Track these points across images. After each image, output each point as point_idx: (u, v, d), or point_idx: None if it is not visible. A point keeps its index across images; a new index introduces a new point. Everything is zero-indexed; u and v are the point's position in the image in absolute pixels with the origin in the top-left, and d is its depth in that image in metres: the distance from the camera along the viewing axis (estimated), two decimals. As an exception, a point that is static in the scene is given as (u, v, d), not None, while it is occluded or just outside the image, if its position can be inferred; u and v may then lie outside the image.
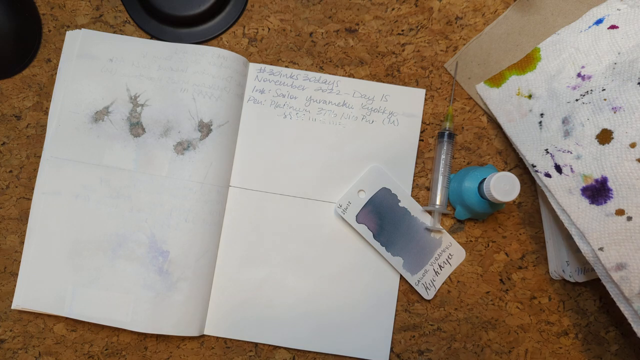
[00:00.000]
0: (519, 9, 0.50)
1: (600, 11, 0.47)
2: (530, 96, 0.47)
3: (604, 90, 0.42)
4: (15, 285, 0.49)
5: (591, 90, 0.43)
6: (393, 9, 0.52)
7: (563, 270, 0.48)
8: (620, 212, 0.40)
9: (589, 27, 0.46)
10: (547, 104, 0.46)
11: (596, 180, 0.41)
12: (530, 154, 0.45)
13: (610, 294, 0.41)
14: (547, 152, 0.44)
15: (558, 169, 0.43)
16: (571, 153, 0.42)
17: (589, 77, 0.44)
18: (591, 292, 0.50)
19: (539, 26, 0.50)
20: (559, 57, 0.47)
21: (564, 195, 0.43)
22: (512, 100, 0.48)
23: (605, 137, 0.41)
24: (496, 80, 0.50)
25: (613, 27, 0.45)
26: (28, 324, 0.49)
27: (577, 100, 0.44)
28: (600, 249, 0.40)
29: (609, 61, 0.44)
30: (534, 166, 0.44)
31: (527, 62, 0.49)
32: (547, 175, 0.43)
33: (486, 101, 0.50)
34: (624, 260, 0.40)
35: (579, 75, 0.45)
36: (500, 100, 0.49)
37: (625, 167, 0.40)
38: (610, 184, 0.40)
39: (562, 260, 0.48)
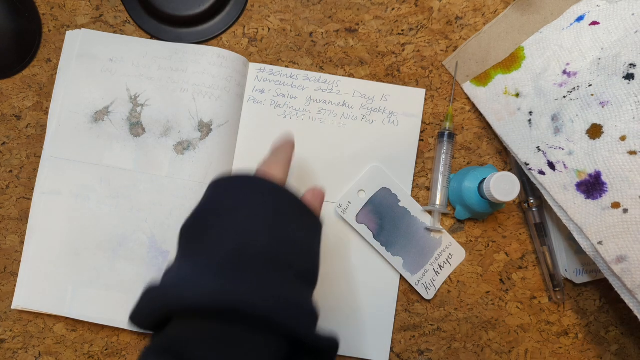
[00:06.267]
0: (519, 8, 0.50)
1: (580, 8, 0.47)
2: (517, 95, 0.47)
3: (590, 85, 0.43)
4: (15, 285, 0.49)
5: (578, 87, 0.44)
6: (393, 9, 0.52)
7: (566, 270, 0.48)
8: (616, 205, 0.40)
9: (571, 24, 0.47)
10: (535, 102, 0.46)
11: (590, 175, 0.41)
12: (523, 153, 0.45)
13: (614, 286, 0.41)
14: (539, 150, 0.44)
15: (551, 165, 0.43)
16: (563, 149, 0.43)
17: (575, 74, 0.45)
18: (591, 292, 0.50)
19: (539, 25, 0.50)
20: (543, 55, 0.47)
21: (559, 191, 0.43)
22: (499, 99, 0.48)
23: (595, 131, 0.41)
24: (482, 79, 0.50)
25: (594, 23, 0.45)
26: (28, 324, 0.49)
27: (564, 97, 0.44)
28: (600, 243, 0.41)
29: (593, 57, 0.44)
30: (527, 164, 0.44)
31: (512, 61, 0.49)
32: (541, 172, 0.44)
33: (474, 100, 0.50)
34: (623, 252, 0.40)
35: (564, 72, 0.45)
36: (487, 99, 0.49)
37: (617, 160, 0.40)
38: (604, 177, 0.40)
39: (562, 260, 0.48)
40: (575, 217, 0.42)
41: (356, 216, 0.49)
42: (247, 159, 0.50)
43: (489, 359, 0.49)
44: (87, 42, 0.50)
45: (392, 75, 0.51)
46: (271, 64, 0.51)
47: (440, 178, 0.49)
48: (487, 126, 0.51)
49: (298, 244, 0.33)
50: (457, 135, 0.51)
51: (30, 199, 0.50)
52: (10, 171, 0.50)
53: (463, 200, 0.47)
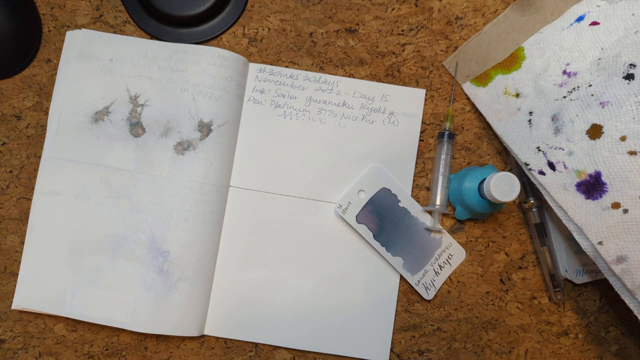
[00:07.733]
0: (519, 9, 0.50)
1: (580, 8, 0.47)
2: (517, 95, 0.47)
3: (590, 86, 0.43)
4: (15, 285, 0.49)
5: (578, 87, 0.44)
6: (393, 9, 0.52)
7: (566, 270, 0.48)
8: (616, 205, 0.40)
9: (571, 24, 0.47)
10: (535, 102, 0.46)
11: (590, 175, 0.41)
12: (523, 153, 0.45)
13: (614, 287, 0.41)
14: (539, 150, 0.44)
15: (551, 166, 0.43)
16: (563, 150, 0.43)
17: (575, 74, 0.45)
18: (591, 292, 0.50)
19: (539, 25, 0.50)
20: (543, 55, 0.47)
21: (559, 191, 0.43)
22: (499, 100, 0.48)
23: (595, 132, 0.41)
24: (482, 79, 0.50)
25: (594, 23, 0.45)
26: (28, 324, 0.49)
27: (564, 97, 0.44)
28: (600, 243, 0.41)
29: (593, 57, 0.44)
30: (527, 164, 0.45)
31: (512, 61, 0.49)
32: (541, 172, 0.44)
33: (474, 100, 0.50)
34: (623, 252, 0.40)
35: (564, 72, 0.45)
36: (487, 100, 0.49)
37: (617, 160, 0.40)
38: (604, 178, 0.40)
39: (562, 260, 0.48)
40: (575, 217, 0.42)
41: (356, 216, 0.49)
42: (247, 159, 0.50)
43: (489, 359, 0.49)
44: (87, 42, 0.50)
45: (392, 76, 0.51)
46: (271, 64, 0.51)
47: (440, 178, 0.49)
48: (487, 126, 0.51)
49: None
50: (457, 135, 0.51)
51: (30, 199, 0.50)
52: (10, 171, 0.50)
53: (463, 201, 0.47)
